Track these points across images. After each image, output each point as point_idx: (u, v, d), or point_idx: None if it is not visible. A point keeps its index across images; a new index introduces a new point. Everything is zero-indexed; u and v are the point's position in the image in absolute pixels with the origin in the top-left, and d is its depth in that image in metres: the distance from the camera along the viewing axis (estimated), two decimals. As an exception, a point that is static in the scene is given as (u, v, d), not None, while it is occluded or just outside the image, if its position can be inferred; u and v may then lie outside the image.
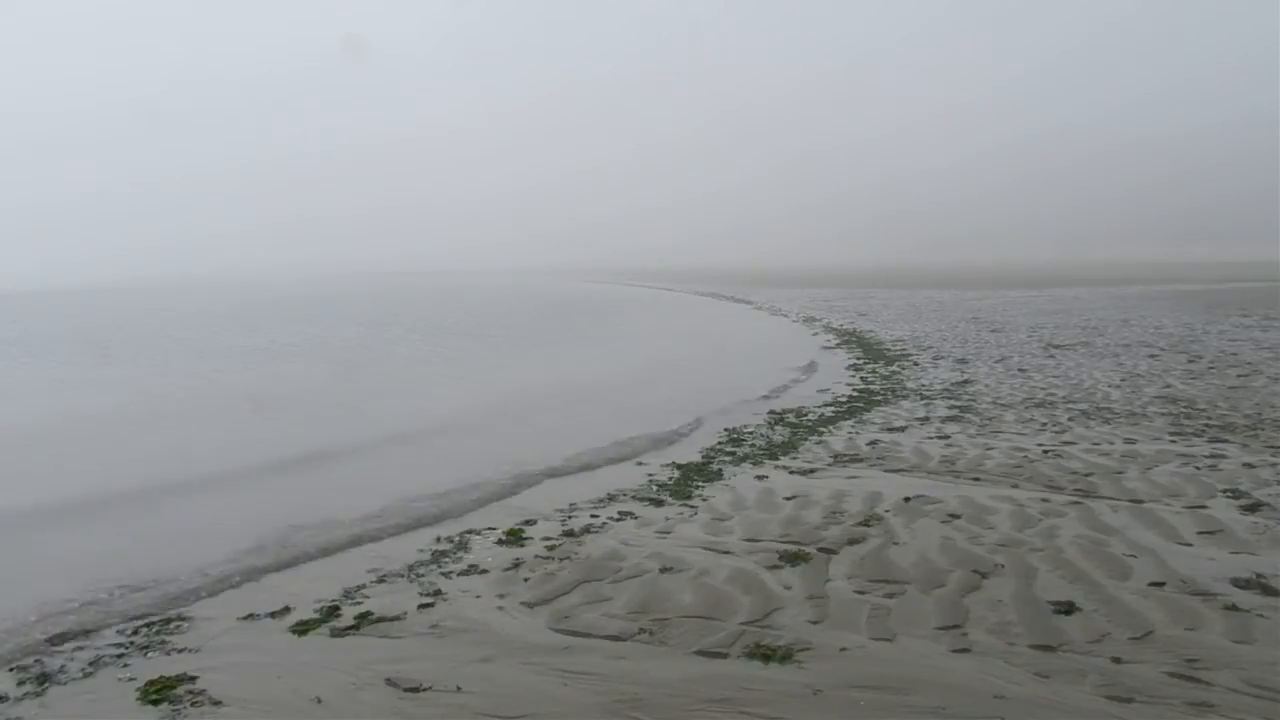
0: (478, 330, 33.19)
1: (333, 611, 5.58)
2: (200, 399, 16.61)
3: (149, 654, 5.05)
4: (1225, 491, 7.76)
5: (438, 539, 7.08)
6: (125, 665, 4.91)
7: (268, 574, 6.41)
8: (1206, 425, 10.64)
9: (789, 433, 11.14)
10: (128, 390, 17.77)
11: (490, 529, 7.31)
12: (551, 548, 6.77)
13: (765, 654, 4.80)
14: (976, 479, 8.52)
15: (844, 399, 13.69)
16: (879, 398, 13.64)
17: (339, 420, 13.55)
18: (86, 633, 5.38)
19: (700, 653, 4.87)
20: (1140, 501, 7.57)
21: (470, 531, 7.27)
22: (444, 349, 25.73)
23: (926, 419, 11.65)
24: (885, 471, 8.96)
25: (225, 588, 6.14)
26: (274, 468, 10.04)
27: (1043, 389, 14.00)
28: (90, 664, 4.94)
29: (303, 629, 5.34)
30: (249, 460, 10.35)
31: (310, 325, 36.26)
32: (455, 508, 8.06)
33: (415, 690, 4.51)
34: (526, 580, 6.09)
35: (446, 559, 6.59)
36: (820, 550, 6.50)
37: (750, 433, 11.22)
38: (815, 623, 5.22)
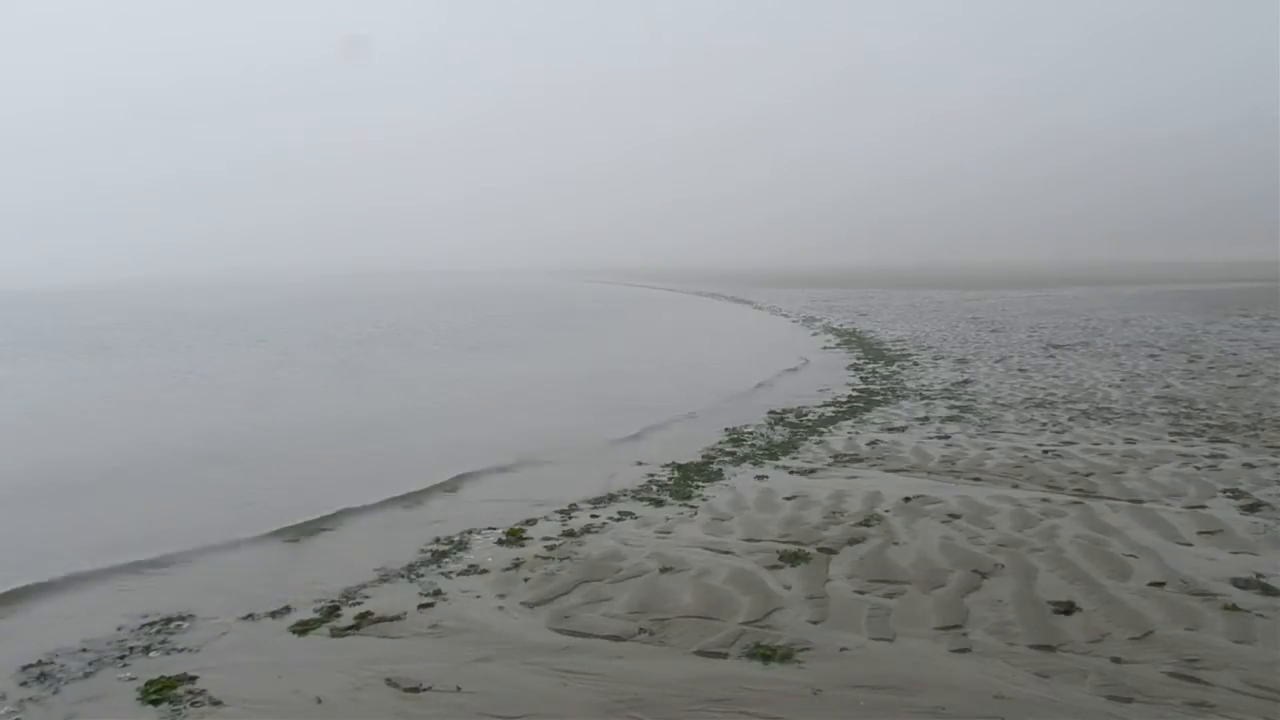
0: (480, 331, 33.16)
1: (333, 611, 5.58)
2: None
3: (149, 654, 5.05)
4: (1225, 491, 7.75)
5: (437, 539, 7.08)
6: (125, 665, 4.90)
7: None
8: (1206, 425, 10.64)
9: (789, 432, 11.14)
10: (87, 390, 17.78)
11: (490, 528, 7.32)
12: (551, 548, 6.77)
13: (765, 654, 4.80)
14: (976, 479, 8.52)
15: (844, 399, 13.69)
16: (879, 398, 13.64)
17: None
18: (86, 631, 5.38)
19: (700, 653, 4.87)
20: (1140, 501, 7.56)
21: (470, 531, 7.27)
22: (438, 348, 25.72)
23: (926, 419, 11.65)
24: (885, 471, 8.96)
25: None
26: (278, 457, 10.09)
27: (1043, 389, 14.00)
28: (90, 664, 4.93)
29: (303, 629, 5.34)
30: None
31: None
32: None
33: (415, 690, 4.51)
34: (526, 580, 6.08)
35: (446, 559, 6.59)
36: (820, 550, 6.49)
37: (750, 432, 11.22)
38: (815, 623, 5.22)
